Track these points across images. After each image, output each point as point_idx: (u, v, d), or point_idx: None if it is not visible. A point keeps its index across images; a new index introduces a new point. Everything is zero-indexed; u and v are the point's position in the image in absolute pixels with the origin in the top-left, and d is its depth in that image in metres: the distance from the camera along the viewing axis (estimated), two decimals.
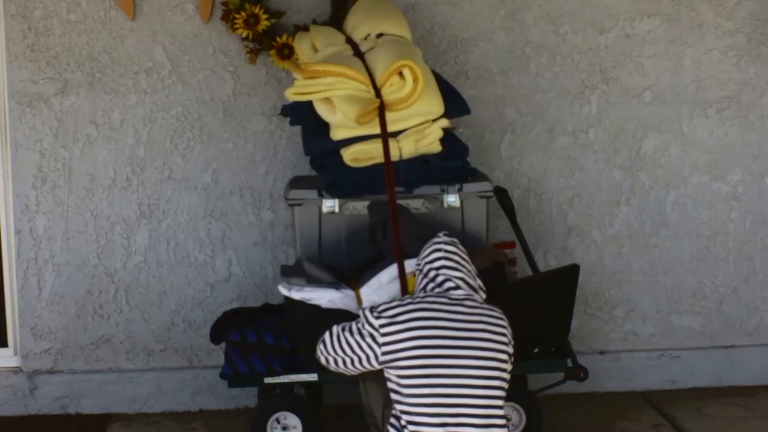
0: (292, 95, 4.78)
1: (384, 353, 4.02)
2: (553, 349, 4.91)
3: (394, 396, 4.02)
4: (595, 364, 5.52)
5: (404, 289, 4.45)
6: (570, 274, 4.92)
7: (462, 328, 4.02)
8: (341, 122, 4.72)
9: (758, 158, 5.73)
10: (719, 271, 5.76)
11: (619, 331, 5.76)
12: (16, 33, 5.42)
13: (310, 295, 4.55)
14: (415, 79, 4.68)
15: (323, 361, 4.29)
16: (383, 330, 4.03)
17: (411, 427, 3.94)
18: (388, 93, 4.71)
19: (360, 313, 4.16)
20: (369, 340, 4.06)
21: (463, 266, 4.21)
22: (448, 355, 3.97)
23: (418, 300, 4.10)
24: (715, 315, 5.78)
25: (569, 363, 4.90)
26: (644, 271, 5.74)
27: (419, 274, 4.28)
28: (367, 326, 4.08)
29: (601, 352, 5.75)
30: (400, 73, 4.71)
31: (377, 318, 4.05)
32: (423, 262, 4.26)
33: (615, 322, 5.75)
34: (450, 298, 4.11)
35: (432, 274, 4.20)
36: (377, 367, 4.09)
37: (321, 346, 4.26)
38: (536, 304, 4.78)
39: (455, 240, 4.29)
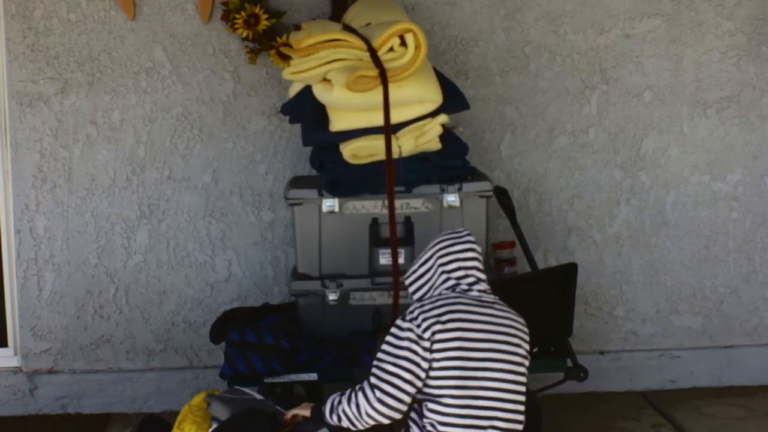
0: (288, 75, 4.77)
1: (431, 353, 3.84)
2: (552, 349, 4.91)
3: (422, 394, 3.93)
4: (595, 364, 5.52)
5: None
6: (567, 272, 4.92)
7: (496, 332, 3.90)
8: (339, 98, 4.68)
9: (758, 158, 5.73)
10: (719, 271, 5.76)
11: (619, 331, 5.75)
12: (16, 33, 5.42)
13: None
14: (418, 47, 4.62)
15: (366, 418, 3.92)
16: (426, 334, 3.83)
17: (441, 428, 3.88)
18: (387, 60, 4.64)
19: (394, 329, 3.91)
20: (417, 348, 3.83)
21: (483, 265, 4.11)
22: (484, 358, 3.85)
23: (451, 302, 3.92)
24: (715, 315, 5.78)
25: (569, 363, 4.90)
26: (644, 271, 5.73)
27: (437, 269, 4.05)
28: (407, 333, 3.85)
29: (601, 352, 5.75)
30: (402, 42, 4.64)
31: (418, 326, 3.85)
32: (449, 257, 4.02)
33: (615, 322, 5.75)
34: (481, 301, 3.97)
35: (460, 273, 4.01)
36: (424, 375, 3.87)
37: (357, 406, 3.90)
38: (533, 301, 4.77)
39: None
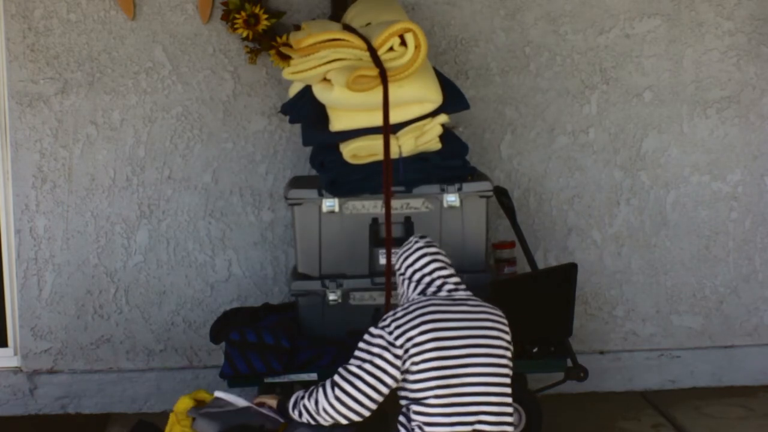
0: (288, 75, 4.78)
1: (404, 361, 3.91)
2: (552, 349, 4.91)
3: (407, 399, 3.96)
4: (595, 364, 5.52)
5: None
6: (567, 272, 4.92)
7: (472, 327, 3.96)
8: (339, 98, 4.67)
9: (758, 158, 5.73)
10: (719, 271, 5.76)
11: (619, 331, 5.75)
12: (16, 33, 5.42)
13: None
14: (417, 46, 4.62)
15: (323, 414, 3.98)
16: (398, 341, 3.91)
17: (427, 428, 3.89)
18: (387, 59, 4.65)
19: (366, 336, 4.01)
20: (387, 355, 3.92)
21: (449, 264, 4.18)
22: (463, 355, 3.90)
23: (422, 305, 4.00)
24: (715, 315, 5.78)
25: (569, 363, 4.90)
26: (644, 271, 5.73)
27: (404, 281, 4.18)
28: (378, 340, 3.94)
29: (601, 352, 5.75)
30: (402, 41, 4.64)
31: (390, 333, 3.94)
32: (409, 270, 4.16)
33: (615, 322, 5.75)
34: (453, 299, 4.05)
35: (426, 280, 4.12)
36: (395, 384, 3.96)
37: (316, 401, 3.98)
38: (533, 301, 4.78)
39: (430, 239, 4.25)
